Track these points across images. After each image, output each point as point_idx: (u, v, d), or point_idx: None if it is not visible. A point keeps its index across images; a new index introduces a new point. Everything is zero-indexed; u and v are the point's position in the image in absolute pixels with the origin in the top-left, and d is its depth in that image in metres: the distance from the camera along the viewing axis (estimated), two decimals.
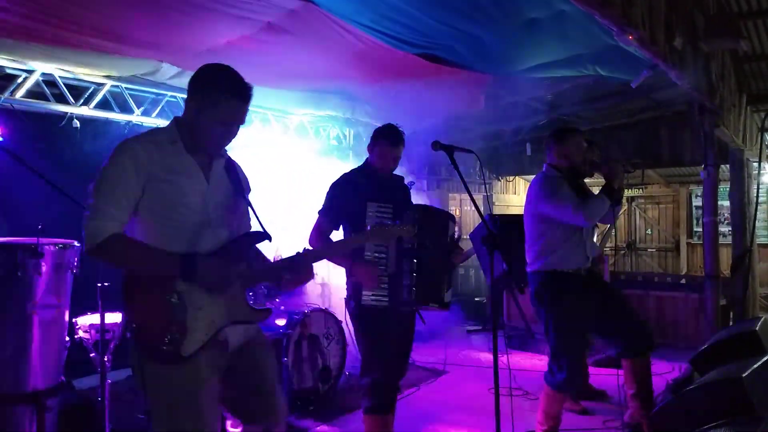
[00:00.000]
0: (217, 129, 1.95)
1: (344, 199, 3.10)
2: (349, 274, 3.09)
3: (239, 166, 2.20)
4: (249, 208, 2.11)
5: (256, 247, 2.15)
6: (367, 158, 3.28)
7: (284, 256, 2.18)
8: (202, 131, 1.95)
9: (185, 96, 2.04)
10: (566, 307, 3.40)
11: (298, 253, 2.13)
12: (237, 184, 2.08)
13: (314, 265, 2.19)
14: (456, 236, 3.24)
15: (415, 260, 2.96)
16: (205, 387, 1.90)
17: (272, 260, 2.32)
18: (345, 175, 3.24)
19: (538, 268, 3.48)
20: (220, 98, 1.91)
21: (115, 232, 1.81)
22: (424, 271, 2.99)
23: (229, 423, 2.30)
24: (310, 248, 2.24)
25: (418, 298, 2.98)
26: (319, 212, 3.13)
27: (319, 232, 3.08)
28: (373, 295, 2.96)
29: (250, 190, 2.23)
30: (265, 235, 2.07)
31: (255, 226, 2.13)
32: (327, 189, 3.19)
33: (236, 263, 1.97)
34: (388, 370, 3.03)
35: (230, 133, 1.99)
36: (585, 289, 3.46)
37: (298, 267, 2.10)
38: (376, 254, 2.97)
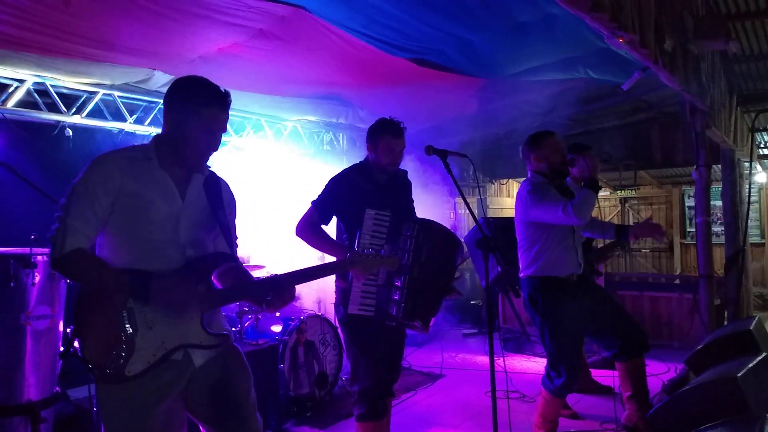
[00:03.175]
0: (201, 137, 1.93)
1: (343, 200, 3.02)
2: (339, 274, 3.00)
3: (225, 185, 2.17)
4: (222, 228, 2.04)
5: (238, 268, 2.11)
6: (367, 156, 3.14)
7: (273, 262, 2.11)
8: (187, 142, 1.94)
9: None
10: (561, 313, 3.41)
11: (276, 275, 2.09)
12: (216, 203, 2.04)
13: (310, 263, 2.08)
14: (461, 262, 3.08)
15: (407, 276, 2.82)
16: (156, 412, 1.85)
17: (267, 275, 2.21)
18: (346, 172, 3.12)
19: (531, 274, 3.48)
20: (201, 106, 1.91)
21: (79, 247, 1.81)
22: (416, 288, 2.84)
23: None
24: (290, 271, 2.14)
25: (406, 315, 2.84)
26: (313, 203, 3.04)
27: (309, 223, 3.00)
28: (360, 305, 2.85)
29: (234, 210, 2.20)
30: (228, 257, 2.05)
31: (224, 247, 2.07)
32: (326, 183, 3.09)
33: (196, 284, 1.94)
34: (377, 377, 2.96)
35: (215, 141, 1.98)
36: (577, 294, 3.48)
37: (279, 287, 2.03)
38: None
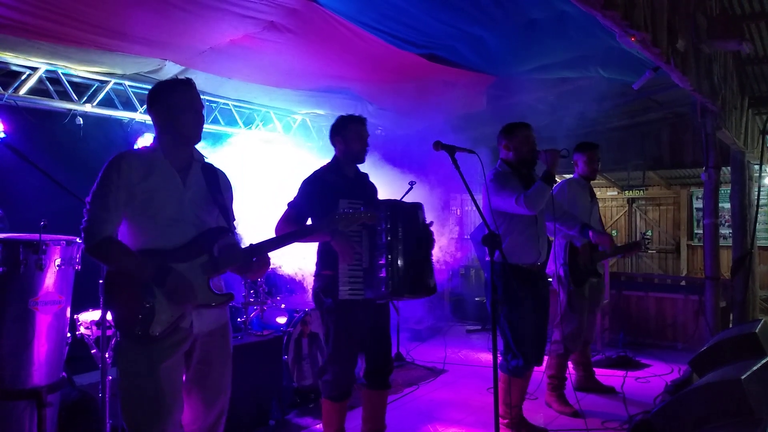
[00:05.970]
0: (189, 116, 2.30)
1: (316, 196, 3.17)
2: (324, 250, 3.20)
3: (222, 173, 2.51)
4: (220, 209, 2.38)
5: (234, 242, 2.42)
6: (335, 155, 3.37)
7: (277, 255, 2.39)
8: (180, 125, 2.30)
9: None
10: (519, 299, 3.53)
11: (251, 245, 2.41)
12: (214, 187, 2.39)
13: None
14: (429, 222, 3.32)
15: (389, 254, 3.06)
16: (166, 361, 2.18)
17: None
18: (317, 172, 3.32)
19: (494, 259, 3.54)
20: (175, 95, 2.30)
21: (109, 234, 2.19)
22: (399, 263, 3.09)
23: None
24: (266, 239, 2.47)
25: (405, 291, 3.10)
26: (289, 204, 3.22)
27: (286, 223, 3.16)
28: (350, 290, 3.07)
29: (231, 194, 2.53)
30: (224, 230, 2.38)
31: (223, 225, 2.42)
32: (299, 184, 3.26)
33: (198, 256, 2.28)
34: (353, 367, 3.18)
35: (201, 117, 2.36)
36: (535, 284, 3.63)
37: (257, 251, 2.39)
38: None
